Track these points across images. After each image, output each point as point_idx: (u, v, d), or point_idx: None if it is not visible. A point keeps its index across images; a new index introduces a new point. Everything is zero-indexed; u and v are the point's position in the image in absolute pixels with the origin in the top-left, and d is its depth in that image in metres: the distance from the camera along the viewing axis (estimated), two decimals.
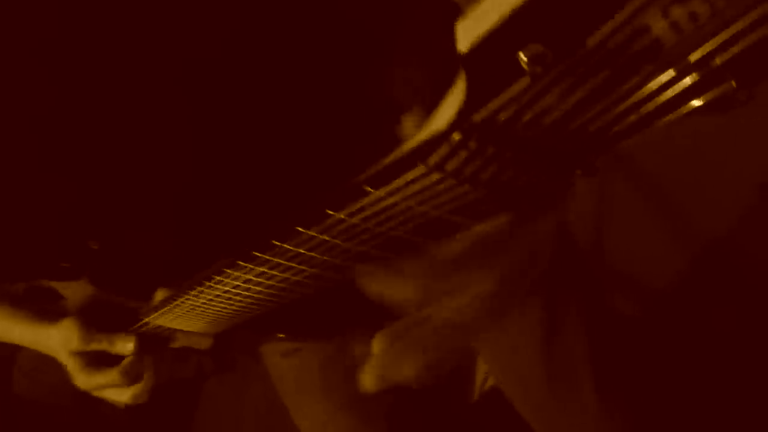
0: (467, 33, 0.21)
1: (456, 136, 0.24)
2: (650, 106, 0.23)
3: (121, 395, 0.64)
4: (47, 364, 0.70)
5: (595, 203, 1.23)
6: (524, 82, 0.21)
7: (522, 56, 0.20)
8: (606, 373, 0.71)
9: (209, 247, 0.61)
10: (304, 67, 0.51)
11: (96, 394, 0.66)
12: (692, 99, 0.22)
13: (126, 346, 0.62)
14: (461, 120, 0.23)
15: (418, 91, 0.40)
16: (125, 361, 0.62)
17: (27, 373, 0.98)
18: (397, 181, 0.27)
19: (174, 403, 1.28)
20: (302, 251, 0.39)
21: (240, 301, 0.54)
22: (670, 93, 0.22)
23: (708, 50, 0.20)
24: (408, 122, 0.33)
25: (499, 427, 0.93)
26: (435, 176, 0.26)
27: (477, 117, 0.23)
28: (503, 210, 0.30)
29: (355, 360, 0.39)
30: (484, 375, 1.13)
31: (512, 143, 0.24)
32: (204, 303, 0.56)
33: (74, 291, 0.67)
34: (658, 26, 0.19)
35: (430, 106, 0.27)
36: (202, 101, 0.51)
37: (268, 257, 0.41)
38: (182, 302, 0.57)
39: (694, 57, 0.20)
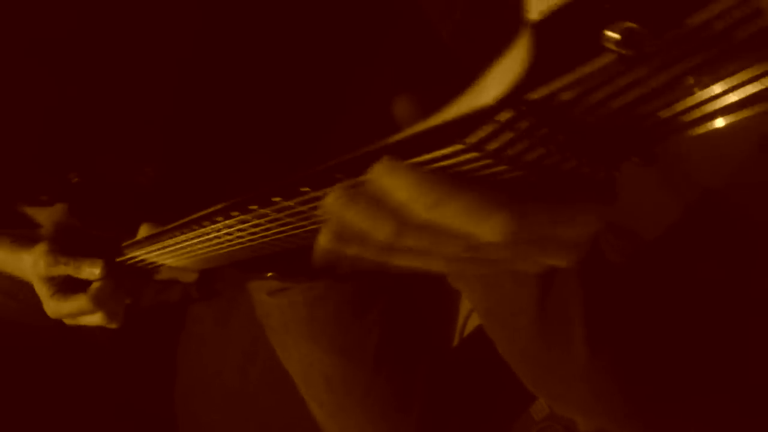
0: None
1: (506, 115, 0.20)
2: (735, 97, 0.19)
3: (92, 319, 0.62)
4: (26, 283, 0.68)
5: None
6: (603, 61, 0.17)
7: (610, 34, 0.16)
8: (597, 324, 0.71)
9: (197, 185, 0.58)
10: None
11: (68, 322, 0.64)
12: None
13: (93, 270, 0.59)
14: (515, 97, 0.20)
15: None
16: (93, 286, 0.59)
17: (8, 293, 0.96)
18: (426, 155, 0.24)
19: (159, 324, 1.28)
20: (305, 209, 0.35)
21: (231, 247, 0.51)
22: (756, 87, 0.19)
23: None
24: (403, 104, 0.29)
25: (479, 372, 0.94)
26: (471, 155, 0.23)
27: (535, 95, 0.19)
28: (539, 191, 0.27)
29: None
30: (463, 322, 1.13)
31: (567, 127, 0.21)
32: (191, 245, 0.53)
33: (49, 217, 0.64)
34: None
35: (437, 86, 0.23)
36: (192, 38, 0.47)
37: (266, 211, 0.38)
38: (168, 242, 0.54)
39: None
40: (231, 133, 0.58)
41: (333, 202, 0.31)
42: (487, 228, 0.26)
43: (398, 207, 0.28)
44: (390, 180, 0.28)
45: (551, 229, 0.28)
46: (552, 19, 0.17)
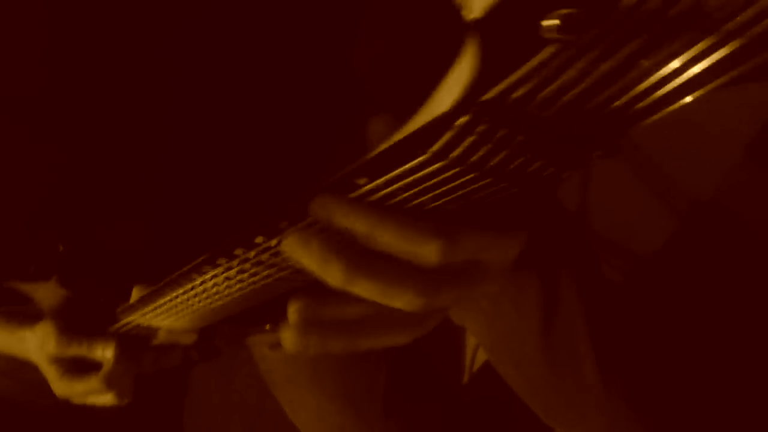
0: None
1: (463, 120, 0.20)
2: (682, 78, 0.20)
3: (102, 399, 0.61)
4: (26, 362, 0.67)
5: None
6: (547, 52, 0.18)
7: (548, 22, 0.17)
8: (605, 348, 0.70)
9: (187, 241, 0.58)
10: (280, 58, 0.48)
11: (76, 401, 0.63)
12: (730, 71, 0.19)
13: (105, 351, 0.58)
14: (469, 100, 0.20)
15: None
16: (105, 367, 0.58)
17: (6, 373, 0.94)
18: (392, 172, 0.24)
19: (162, 390, 1.26)
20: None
21: (225, 297, 0.51)
22: (705, 64, 0.19)
23: (752, 15, 0.17)
24: (378, 124, 0.30)
25: (492, 408, 0.92)
26: (437, 165, 0.23)
27: (487, 96, 0.20)
28: (509, 198, 0.27)
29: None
30: (471, 356, 1.12)
31: (525, 125, 0.21)
32: (185, 301, 0.53)
33: (46, 292, 0.63)
34: None
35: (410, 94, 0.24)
36: (174, 95, 0.48)
37: (251, 254, 0.38)
38: (161, 300, 0.54)
39: (734, 24, 0.17)
40: (216, 189, 0.58)
41: (288, 246, 0.32)
42: (423, 251, 0.28)
43: (343, 242, 0.29)
44: (326, 215, 0.29)
45: (479, 254, 0.29)
46: (492, 15, 0.17)
